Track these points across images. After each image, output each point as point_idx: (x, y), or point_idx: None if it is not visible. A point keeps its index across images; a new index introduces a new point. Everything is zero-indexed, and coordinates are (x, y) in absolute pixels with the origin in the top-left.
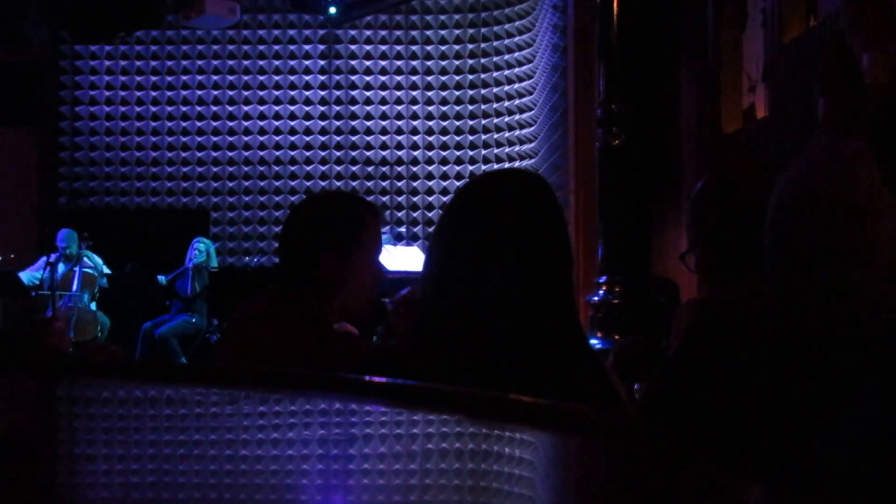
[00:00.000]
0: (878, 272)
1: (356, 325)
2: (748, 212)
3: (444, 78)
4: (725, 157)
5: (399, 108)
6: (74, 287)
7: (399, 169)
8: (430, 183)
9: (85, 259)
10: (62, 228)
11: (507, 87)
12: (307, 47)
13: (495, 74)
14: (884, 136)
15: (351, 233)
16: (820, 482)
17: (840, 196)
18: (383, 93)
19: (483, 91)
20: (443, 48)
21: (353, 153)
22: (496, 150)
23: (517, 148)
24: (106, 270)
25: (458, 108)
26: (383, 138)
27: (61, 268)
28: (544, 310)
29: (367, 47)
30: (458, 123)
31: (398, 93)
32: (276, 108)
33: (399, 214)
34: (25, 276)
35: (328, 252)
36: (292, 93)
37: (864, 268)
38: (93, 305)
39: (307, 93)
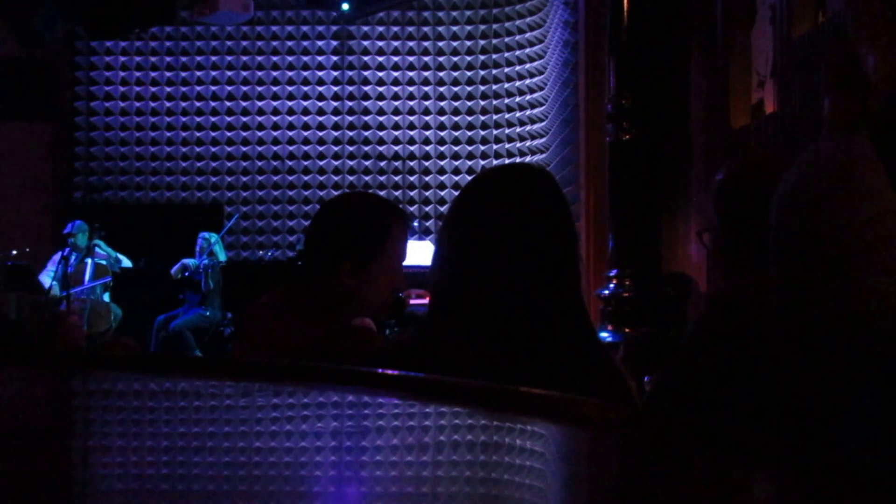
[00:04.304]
0: (883, 270)
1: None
2: (767, 203)
3: (455, 73)
4: (747, 149)
5: (411, 103)
6: (87, 279)
7: (411, 164)
8: (442, 178)
9: (97, 250)
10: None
11: (518, 83)
12: (320, 43)
13: (506, 70)
14: (889, 136)
15: (373, 241)
16: (828, 474)
17: (844, 196)
18: (396, 88)
19: (494, 87)
20: (454, 44)
21: (366, 148)
22: (507, 145)
23: (528, 143)
24: (126, 262)
25: (469, 103)
26: (396, 133)
27: (73, 260)
28: (552, 302)
29: (380, 43)
30: (469, 119)
31: (410, 88)
32: (290, 103)
33: (411, 209)
34: (43, 278)
35: (347, 260)
36: (305, 88)
37: (867, 266)
38: (105, 297)
39: (320, 88)
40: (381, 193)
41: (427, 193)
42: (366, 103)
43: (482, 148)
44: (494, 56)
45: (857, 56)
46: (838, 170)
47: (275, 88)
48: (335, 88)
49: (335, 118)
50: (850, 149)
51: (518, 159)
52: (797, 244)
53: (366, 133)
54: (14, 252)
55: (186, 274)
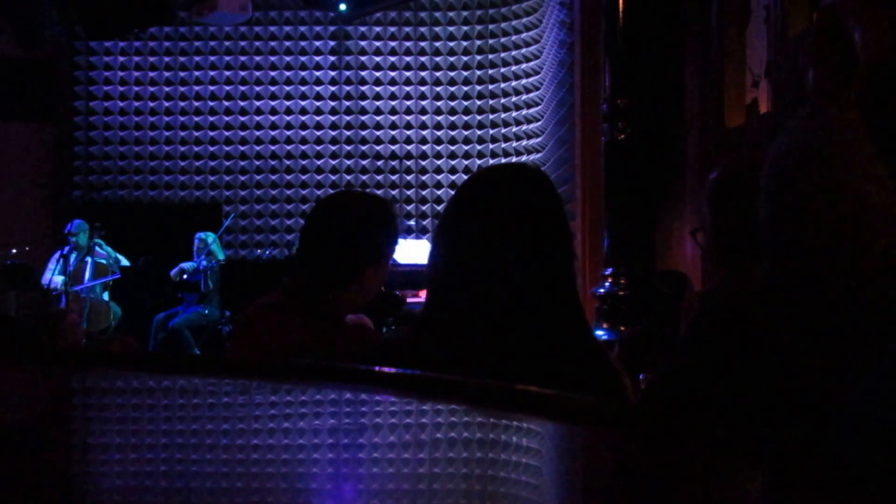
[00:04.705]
0: (869, 245)
1: (367, 312)
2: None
3: (452, 73)
4: (741, 149)
5: (408, 102)
6: (87, 278)
7: (408, 163)
8: (439, 177)
9: (98, 249)
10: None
11: (514, 83)
12: (318, 43)
13: (503, 70)
14: (878, 111)
15: (390, 243)
16: (824, 471)
17: (828, 166)
18: (392, 88)
19: (491, 86)
20: (451, 44)
21: (363, 147)
22: (504, 145)
23: (524, 142)
24: (123, 262)
25: (466, 103)
26: (393, 133)
27: (73, 259)
28: (548, 301)
29: (377, 43)
30: (466, 118)
31: (407, 88)
32: (288, 103)
33: (408, 208)
34: (46, 276)
35: (371, 265)
36: (303, 88)
37: (855, 241)
38: (105, 296)
39: (318, 88)
40: (379, 193)
41: (424, 193)
42: (363, 103)
43: (479, 147)
44: (491, 56)
45: (843, 27)
46: (821, 141)
47: (273, 88)
48: (333, 88)
49: (333, 118)
50: (833, 119)
51: (514, 158)
52: (781, 232)
53: (363, 133)
54: (14, 251)
55: (185, 277)
